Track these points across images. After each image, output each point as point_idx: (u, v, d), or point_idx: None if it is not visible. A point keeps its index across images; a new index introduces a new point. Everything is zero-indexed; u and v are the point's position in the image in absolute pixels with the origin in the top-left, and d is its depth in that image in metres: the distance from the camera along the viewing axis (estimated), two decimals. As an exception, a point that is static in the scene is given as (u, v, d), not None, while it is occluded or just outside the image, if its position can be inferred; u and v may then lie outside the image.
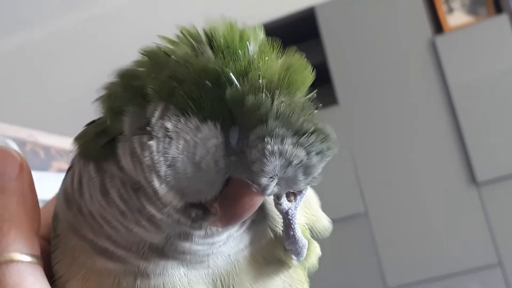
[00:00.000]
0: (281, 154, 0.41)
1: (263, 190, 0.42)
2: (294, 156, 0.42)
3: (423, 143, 2.85)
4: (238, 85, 0.42)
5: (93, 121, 0.48)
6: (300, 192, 0.48)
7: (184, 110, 0.42)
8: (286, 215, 0.48)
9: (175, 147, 0.42)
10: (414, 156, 2.85)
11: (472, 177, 2.74)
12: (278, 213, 0.49)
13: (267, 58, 0.44)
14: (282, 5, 3.25)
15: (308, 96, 0.45)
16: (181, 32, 0.45)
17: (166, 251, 0.45)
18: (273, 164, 0.41)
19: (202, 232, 0.45)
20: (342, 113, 2.96)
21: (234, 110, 0.42)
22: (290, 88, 0.43)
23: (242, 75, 0.42)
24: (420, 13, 2.93)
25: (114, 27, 3.79)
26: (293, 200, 0.48)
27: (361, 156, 2.92)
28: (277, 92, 0.42)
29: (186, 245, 0.45)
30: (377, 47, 2.98)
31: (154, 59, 0.44)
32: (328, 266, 2.84)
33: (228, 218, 0.44)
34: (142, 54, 0.45)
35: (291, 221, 0.48)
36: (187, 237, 0.45)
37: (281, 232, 0.51)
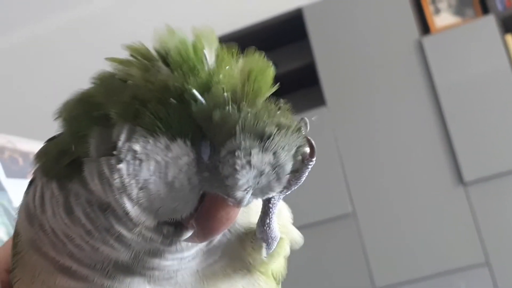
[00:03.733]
0: (252, 166, 0.41)
1: (239, 203, 0.42)
2: (264, 165, 0.41)
3: (410, 144, 2.86)
4: (203, 100, 0.41)
5: (53, 137, 0.46)
6: (289, 185, 0.47)
7: (151, 130, 0.41)
8: (267, 202, 0.48)
9: (146, 168, 0.41)
10: (401, 157, 2.86)
11: (459, 177, 2.76)
12: (250, 221, 0.49)
13: (227, 67, 0.42)
14: (270, 6, 3.25)
15: (270, 95, 0.44)
16: (131, 51, 0.43)
17: (133, 268, 0.44)
18: (246, 177, 0.41)
19: (172, 248, 0.44)
20: (330, 114, 2.97)
21: (202, 125, 0.41)
22: (254, 95, 0.42)
23: (205, 89, 0.41)
24: (407, 14, 2.94)
25: (94, 31, 3.76)
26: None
27: (348, 157, 2.92)
28: (243, 103, 0.41)
29: (155, 261, 0.44)
30: (364, 48, 2.98)
31: (110, 82, 0.43)
32: (316, 266, 2.84)
33: (206, 234, 0.44)
34: (96, 79, 0.44)
35: (271, 209, 0.48)
36: (156, 253, 0.44)
37: (249, 234, 0.50)
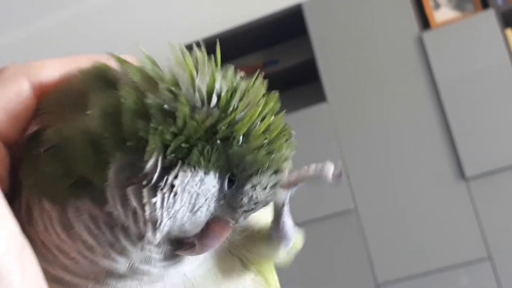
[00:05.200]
0: (264, 200, 0.46)
1: (237, 223, 0.47)
2: (270, 195, 0.46)
3: (411, 139, 2.86)
4: (242, 143, 0.43)
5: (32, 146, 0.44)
6: (295, 183, 0.52)
7: (192, 166, 0.42)
8: (282, 206, 0.52)
9: (179, 200, 0.42)
10: (402, 152, 2.86)
11: (461, 172, 2.76)
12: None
13: (258, 112, 0.45)
14: (270, 2, 3.25)
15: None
16: (161, 77, 0.42)
17: (125, 275, 0.45)
18: (257, 208, 0.46)
19: (161, 257, 0.45)
20: (330, 110, 2.97)
21: (233, 161, 0.44)
22: (280, 148, 0.46)
23: (246, 133, 0.44)
24: (407, 9, 2.94)
25: (94, 29, 3.76)
26: (287, 189, 0.52)
27: (349, 153, 2.93)
28: (275, 150, 0.45)
29: (145, 268, 0.45)
30: (364, 44, 2.99)
31: (144, 108, 0.41)
32: (318, 262, 2.84)
33: (205, 249, 0.46)
34: (122, 95, 0.42)
35: (284, 208, 0.52)
36: (148, 261, 0.45)
37: (236, 245, 0.53)
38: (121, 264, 0.44)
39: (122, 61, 0.43)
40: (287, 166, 0.47)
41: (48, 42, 3.82)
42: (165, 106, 0.41)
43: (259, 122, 0.44)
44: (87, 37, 3.69)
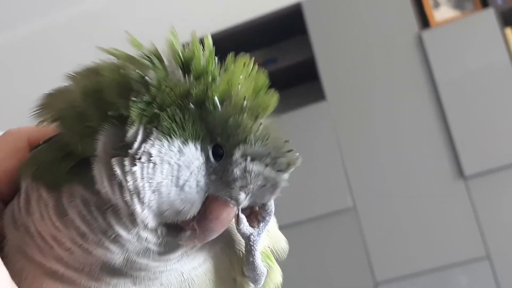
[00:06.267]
0: (262, 175, 0.44)
1: (239, 204, 0.45)
2: (270, 177, 0.44)
3: (410, 138, 2.86)
4: (220, 107, 0.43)
5: (38, 146, 0.46)
6: (264, 219, 0.48)
7: (167, 134, 0.42)
8: (248, 240, 0.48)
9: (160, 171, 0.42)
10: (401, 151, 2.86)
11: (459, 171, 2.76)
12: (235, 233, 0.49)
13: (241, 76, 0.45)
14: (269, 1, 3.25)
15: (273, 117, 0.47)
16: (145, 52, 0.44)
17: (120, 269, 0.45)
18: (255, 183, 0.44)
19: (161, 249, 0.45)
20: (329, 109, 2.97)
21: (215, 130, 0.43)
22: (264, 108, 0.45)
23: (225, 97, 0.43)
24: (407, 8, 2.94)
25: (93, 28, 3.76)
26: (256, 226, 0.48)
27: (349, 151, 2.93)
28: (260, 113, 0.44)
29: (143, 261, 0.45)
30: (364, 43, 2.99)
31: (122, 80, 0.43)
32: (317, 261, 2.85)
33: (206, 234, 0.45)
34: (102, 73, 0.44)
35: (252, 247, 0.48)
36: (145, 254, 0.44)
37: (239, 254, 0.51)
38: (116, 255, 0.44)
39: (109, 51, 0.44)
40: (283, 147, 0.45)
41: (48, 42, 3.82)
42: (143, 76, 0.42)
43: (238, 86, 0.44)
44: (87, 37, 3.69)
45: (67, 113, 0.44)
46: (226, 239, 0.50)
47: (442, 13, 3.03)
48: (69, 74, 0.45)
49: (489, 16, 2.82)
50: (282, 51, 3.40)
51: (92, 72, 0.44)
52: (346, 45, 3.02)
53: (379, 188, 2.87)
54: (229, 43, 3.23)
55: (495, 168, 2.71)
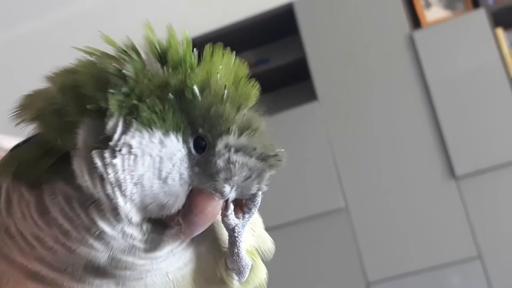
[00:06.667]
0: (246, 166, 0.43)
1: (224, 197, 0.44)
2: (255, 169, 0.44)
3: (402, 138, 2.87)
4: (200, 97, 0.42)
5: (18, 145, 0.46)
6: (250, 210, 0.48)
7: (147, 125, 0.42)
8: (232, 232, 0.48)
9: (141, 164, 0.42)
10: (393, 151, 2.87)
11: (451, 171, 2.76)
12: (222, 232, 0.49)
13: (220, 67, 0.44)
14: (261, 1, 3.24)
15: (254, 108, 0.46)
16: (121, 47, 0.44)
17: (104, 269, 0.44)
18: (239, 175, 0.43)
19: (147, 246, 0.44)
20: (321, 109, 2.97)
21: (196, 121, 0.43)
22: (245, 98, 0.44)
23: (204, 87, 0.43)
24: (398, 8, 2.95)
25: (91, 28, 3.73)
26: (241, 218, 0.48)
27: (340, 152, 2.93)
28: (242, 104, 0.44)
29: (129, 259, 0.44)
30: (355, 43, 2.99)
31: (99, 74, 0.42)
32: (308, 261, 2.84)
33: (192, 229, 0.44)
34: (79, 70, 0.43)
35: (237, 239, 0.48)
36: (130, 251, 0.44)
37: (222, 252, 0.50)
38: (101, 253, 0.43)
39: (85, 50, 0.45)
40: (262, 124, 0.44)
41: (48, 41, 3.81)
42: (120, 69, 0.42)
43: (217, 75, 0.43)
44: (87, 36, 3.66)
45: (45, 111, 0.43)
46: (212, 237, 0.50)
47: (433, 14, 3.03)
48: (47, 75, 0.45)
49: (480, 16, 2.82)
50: (274, 51, 3.39)
51: (69, 71, 0.44)
52: (338, 45, 3.02)
53: (371, 188, 2.87)
54: (221, 43, 3.23)
55: (486, 168, 2.72)
